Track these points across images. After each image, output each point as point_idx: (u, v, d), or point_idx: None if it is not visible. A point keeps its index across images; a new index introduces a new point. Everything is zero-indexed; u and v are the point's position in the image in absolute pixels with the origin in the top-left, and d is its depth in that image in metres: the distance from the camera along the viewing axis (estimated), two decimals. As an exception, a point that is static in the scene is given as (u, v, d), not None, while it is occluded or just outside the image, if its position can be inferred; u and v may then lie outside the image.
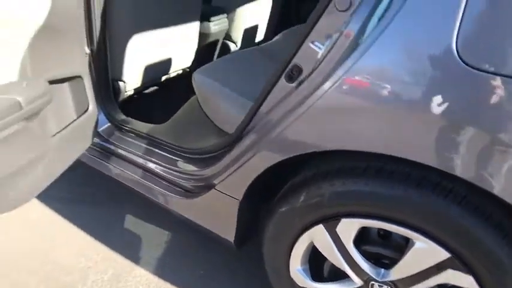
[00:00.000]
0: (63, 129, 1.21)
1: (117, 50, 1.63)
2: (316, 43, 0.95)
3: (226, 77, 1.53)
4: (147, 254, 1.60)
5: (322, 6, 0.95)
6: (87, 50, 1.39)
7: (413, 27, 0.81)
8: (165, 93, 2.08)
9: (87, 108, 1.33)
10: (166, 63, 1.93)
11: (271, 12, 2.49)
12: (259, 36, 2.53)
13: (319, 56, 0.93)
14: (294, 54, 1.02)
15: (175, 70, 2.02)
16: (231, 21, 2.22)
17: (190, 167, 1.33)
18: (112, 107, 1.61)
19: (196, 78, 1.51)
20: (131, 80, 1.76)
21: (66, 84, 1.25)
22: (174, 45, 1.90)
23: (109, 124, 1.57)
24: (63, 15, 1.15)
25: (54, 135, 1.14)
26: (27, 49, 1.05)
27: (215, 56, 2.32)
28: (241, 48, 2.38)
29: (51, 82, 1.16)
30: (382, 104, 0.85)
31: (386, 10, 0.84)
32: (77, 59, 1.26)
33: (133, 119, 1.61)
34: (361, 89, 0.86)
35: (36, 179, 1.11)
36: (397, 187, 0.91)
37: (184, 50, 2.00)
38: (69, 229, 1.67)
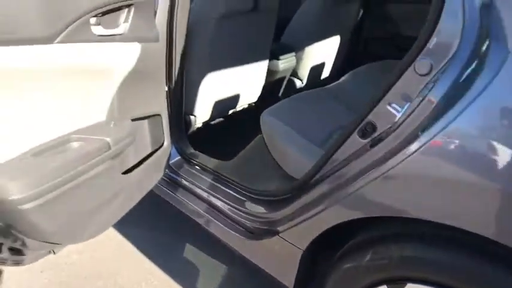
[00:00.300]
0: (140, 163, 1.29)
1: (192, 87, 1.72)
2: (394, 105, 0.95)
3: (294, 120, 1.56)
4: (203, 285, 1.64)
5: (401, 68, 0.95)
6: (165, 88, 1.49)
7: (505, 100, 0.78)
8: (230, 125, 2.15)
9: (163, 144, 1.41)
10: (235, 99, 2.00)
11: (338, 49, 2.51)
12: (325, 72, 2.55)
13: (396, 118, 0.93)
14: (369, 112, 1.02)
15: (241, 105, 2.09)
16: (298, 59, 2.27)
17: (255, 208, 1.36)
18: (183, 141, 1.70)
19: (265, 119, 1.56)
20: (201, 114, 1.85)
21: (145, 121, 1.34)
22: (243, 81, 1.97)
23: (179, 157, 1.65)
24: (150, 60, 1.24)
25: (132, 171, 1.22)
26: (115, 92, 1.14)
27: (281, 92, 2.37)
28: (306, 84, 2.41)
29: (133, 120, 1.26)
30: (466, 176, 0.82)
31: (475, 78, 0.82)
32: (158, 99, 1.35)
33: (201, 153, 1.68)
34: (445, 157, 0.84)
35: (114, 211, 1.19)
36: (469, 260, 0.87)
37: (252, 86, 2.07)
38: (134, 253, 1.76)
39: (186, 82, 1.65)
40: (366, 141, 1.04)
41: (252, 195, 1.39)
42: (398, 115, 0.93)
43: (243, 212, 1.38)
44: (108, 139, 1.02)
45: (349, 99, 1.89)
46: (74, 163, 0.92)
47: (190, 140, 1.75)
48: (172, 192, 1.61)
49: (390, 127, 0.96)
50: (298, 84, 2.38)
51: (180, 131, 1.69)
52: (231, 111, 2.08)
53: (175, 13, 1.40)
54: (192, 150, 1.70)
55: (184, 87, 1.64)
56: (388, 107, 0.96)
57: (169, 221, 1.94)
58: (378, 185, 0.94)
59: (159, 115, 1.36)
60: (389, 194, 0.95)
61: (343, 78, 2.10)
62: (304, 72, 2.35)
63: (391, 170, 0.91)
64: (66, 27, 0.95)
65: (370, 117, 1.02)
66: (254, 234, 1.34)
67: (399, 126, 0.92)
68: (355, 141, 1.06)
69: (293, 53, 2.22)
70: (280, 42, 2.26)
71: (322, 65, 2.47)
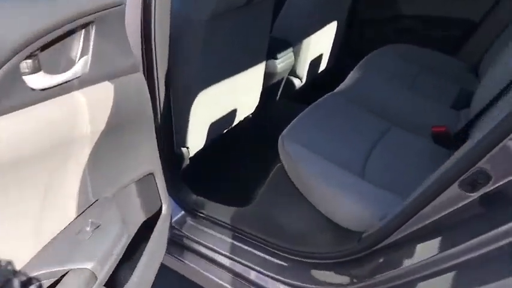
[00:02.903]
0: (136, 248, 0.91)
1: (181, 113, 1.32)
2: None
3: (322, 143, 1.21)
4: None
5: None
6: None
7: None
8: (229, 147, 1.76)
9: (160, 209, 1.02)
10: (231, 115, 1.62)
11: (335, 38, 2.15)
12: (322, 64, 2.18)
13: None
14: (481, 156, 0.68)
15: (239, 119, 1.71)
16: (296, 55, 1.89)
17: (299, 275, 1.00)
18: (179, 186, 1.31)
19: (286, 148, 1.19)
20: (195, 142, 1.45)
21: (132, 187, 0.94)
22: (239, 92, 1.58)
23: (180, 210, 1.26)
24: (129, 102, 0.84)
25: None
26: (84, 169, 0.74)
27: (278, 95, 1.99)
28: (306, 82, 2.05)
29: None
30: None
31: None
32: (147, 152, 0.95)
33: (206, 200, 1.29)
34: None
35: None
36: None
37: (250, 96, 1.69)
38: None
39: (175, 111, 1.26)
40: (473, 194, 0.72)
41: (296, 258, 1.04)
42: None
43: (288, 285, 1.02)
44: (89, 266, 0.62)
45: (373, 101, 1.55)
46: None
47: (189, 182, 1.36)
48: (179, 259, 1.23)
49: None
50: (297, 83, 2.01)
51: (175, 174, 1.30)
52: (226, 130, 1.69)
53: (152, 25, 0.98)
54: (194, 197, 1.31)
55: (173, 118, 1.25)
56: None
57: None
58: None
59: (151, 174, 0.97)
60: None
61: (354, 73, 1.75)
62: (303, 69, 1.98)
63: None
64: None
65: (483, 165, 0.69)
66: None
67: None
68: (457, 195, 0.74)
69: (290, 49, 1.84)
70: (272, 36, 1.87)
71: (320, 57, 2.10)
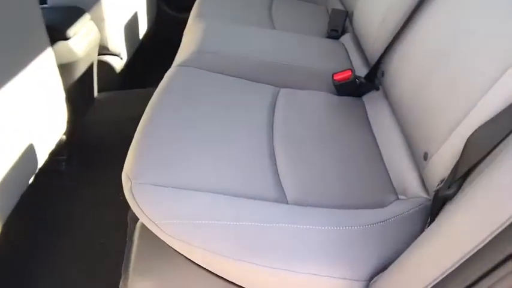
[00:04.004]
0: None
1: None
2: None
3: (200, 164, 0.70)
4: None
5: None
6: None
7: None
8: (47, 214, 1.08)
9: None
10: (28, 158, 0.94)
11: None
12: (142, 27, 1.57)
13: None
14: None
15: (45, 157, 1.04)
16: (99, 23, 1.23)
17: None
18: None
19: (139, 197, 0.64)
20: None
21: None
22: (21, 116, 0.91)
23: None
24: None
25: None
26: None
27: (95, 91, 1.33)
28: (129, 58, 1.43)
29: None
30: None
31: None
32: None
33: None
34: None
35: None
36: None
37: (46, 111, 1.02)
38: None
39: None
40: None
41: None
42: None
43: None
44: None
45: (237, 59, 1.06)
46: None
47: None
48: None
49: None
50: (117, 63, 1.37)
51: None
52: (30, 182, 1.00)
53: None
54: None
55: None
56: None
57: None
58: None
59: None
60: None
61: (191, 28, 1.22)
62: (118, 41, 1.34)
63: None
64: None
65: None
66: None
67: None
68: None
69: (87, 16, 1.16)
70: (48, 7, 1.17)
71: (136, 17, 1.48)
